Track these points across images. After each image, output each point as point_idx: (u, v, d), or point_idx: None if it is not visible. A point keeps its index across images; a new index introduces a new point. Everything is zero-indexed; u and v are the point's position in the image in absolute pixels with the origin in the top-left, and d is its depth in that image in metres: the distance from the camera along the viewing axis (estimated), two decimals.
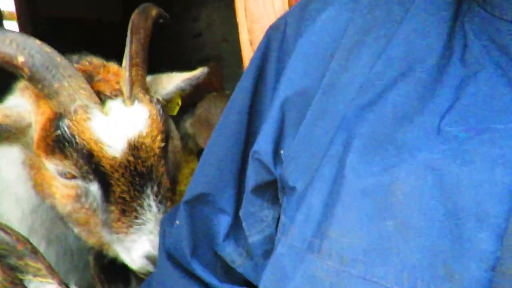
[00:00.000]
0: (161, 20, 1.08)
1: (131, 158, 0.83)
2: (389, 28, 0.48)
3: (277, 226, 0.59)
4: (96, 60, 0.96)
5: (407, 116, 0.43)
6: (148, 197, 0.84)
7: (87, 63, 0.94)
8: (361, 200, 0.41)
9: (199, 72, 1.05)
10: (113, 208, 0.83)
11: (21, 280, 0.50)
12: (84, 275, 1.09)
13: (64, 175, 0.84)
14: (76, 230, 0.91)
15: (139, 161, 0.84)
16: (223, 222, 0.65)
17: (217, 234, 0.65)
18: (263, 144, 0.57)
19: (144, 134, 0.85)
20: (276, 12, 0.82)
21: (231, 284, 0.64)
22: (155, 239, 0.83)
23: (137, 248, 0.84)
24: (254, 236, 0.61)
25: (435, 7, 0.47)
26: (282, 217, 0.54)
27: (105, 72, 0.92)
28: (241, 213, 0.62)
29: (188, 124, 3.26)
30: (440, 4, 0.46)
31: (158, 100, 0.91)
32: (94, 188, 0.84)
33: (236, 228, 0.64)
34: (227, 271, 0.66)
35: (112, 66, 0.95)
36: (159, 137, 0.87)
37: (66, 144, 0.80)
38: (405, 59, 0.46)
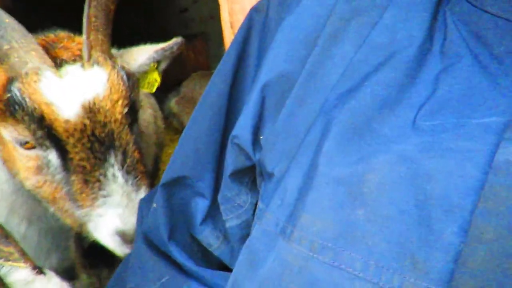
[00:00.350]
0: None
1: (87, 122, 0.78)
2: (373, 15, 0.48)
3: (254, 211, 0.59)
4: (63, 33, 0.93)
5: (386, 105, 0.43)
6: (112, 166, 0.80)
7: (52, 35, 0.91)
8: (334, 188, 0.41)
9: (173, 42, 1.01)
10: (73, 178, 0.80)
11: None
12: (66, 254, 1.08)
13: (21, 144, 0.80)
14: (50, 208, 0.88)
15: (97, 125, 0.79)
16: (200, 206, 0.64)
17: (195, 218, 0.64)
18: (242, 129, 0.56)
19: (101, 97, 0.81)
20: None
21: (207, 268, 0.64)
22: (124, 212, 0.80)
23: (105, 223, 0.80)
24: (231, 220, 0.61)
25: None
26: (259, 203, 0.54)
27: (69, 41, 0.89)
28: (219, 198, 0.62)
29: (173, 103, 3.22)
30: None
31: (123, 67, 0.87)
32: (53, 157, 0.80)
33: (214, 212, 0.64)
34: (203, 255, 0.66)
35: (79, 37, 0.91)
36: (120, 102, 0.83)
37: (17, 107, 0.77)
38: (387, 47, 0.45)
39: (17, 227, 0.97)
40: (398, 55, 0.45)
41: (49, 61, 0.80)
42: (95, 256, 1.09)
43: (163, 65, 1.04)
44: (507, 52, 0.40)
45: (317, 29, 0.52)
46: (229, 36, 0.96)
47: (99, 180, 0.80)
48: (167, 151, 2.10)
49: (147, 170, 0.90)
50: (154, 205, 0.66)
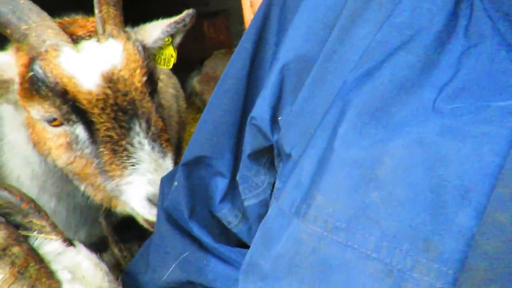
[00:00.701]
0: None
1: (109, 92, 0.81)
2: None
3: (272, 191, 0.60)
4: (78, 16, 0.95)
5: (405, 88, 0.42)
6: (138, 134, 0.82)
7: (67, 18, 0.93)
8: (349, 171, 0.42)
9: (185, 14, 1.02)
10: (102, 149, 0.82)
11: (26, 237, 0.52)
12: (94, 229, 1.12)
13: (49, 121, 0.83)
14: (81, 186, 0.91)
15: (119, 94, 0.82)
16: (220, 185, 0.66)
17: (214, 196, 0.66)
18: (260, 110, 0.57)
19: (120, 67, 0.83)
20: None
21: (226, 245, 0.67)
22: (154, 177, 0.81)
23: (136, 190, 0.82)
24: (249, 199, 0.62)
25: None
26: (277, 183, 0.55)
27: (83, 21, 0.91)
28: (237, 177, 0.63)
29: (195, 81, 3.24)
30: None
31: (137, 39, 0.89)
32: (80, 131, 0.83)
33: (233, 191, 0.65)
34: (222, 232, 0.68)
35: (93, 17, 0.92)
36: (138, 71, 0.85)
37: (40, 84, 0.79)
38: (407, 28, 0.44)
39: (48, 204, 1.02)
40: (418, 36, 0.43)
41: (66, 37, 0.82)
42: (126, 231, 1.12)
43: (177, 39, 1.05)
44: None
45: (337, 9, 0.51)
46: (249, 15, 0.95)
47: (126, 149, 0.81)
48: (190, 130, 2.13)
49: (171, 139, 0.92)
50: (175, 183, 0.67)
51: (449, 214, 0.36)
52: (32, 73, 0.80)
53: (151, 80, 0.89)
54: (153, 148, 0.83)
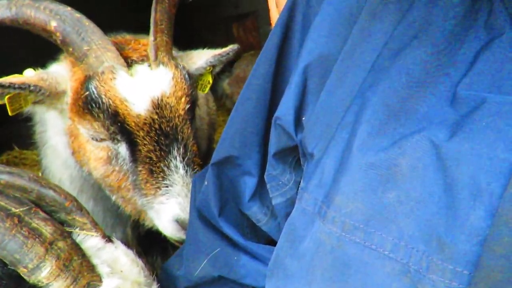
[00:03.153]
0: None
1: (155, 117, 0.86)
2: None
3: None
4: (129, 36, 1.01)
5: (422, 84, 0.42)
6: (175, 158, 0.88)
7: (120, 37, 0.99)
8: (366, 172, 0.42)
9: (229, 48, 1.08)
10: (140, 168, 0.87)
11: (70, 233, 0.57)
12: (128, 229, 1.17)
13: (95, 139, 0.89)
14: (113, 197, 0.97)
15: (164, 120, 0.87)
16: (249, 183, 0.67)
17: (243, 195, 0.68)
18: (284, 110, 0.58)
19: (168, 94, 0.89)
20: None
21: (255, 242, 0.68)
22: (184, 201, 0.86)
23: (165, 210, 0.87)
24: (276, 198, 0.64)
25: None
26: (302, 182, 0.56)
27: (136, 43, 0.96)
28: (265, 176, 0.64)
29: (225, 83, 3.28)
30: None
31: (184, 67, 0.95)
32: (123, 149, 0.89)
33: (261, 189, 0.67)
34: (252, 229, 0.70)
35: (143, 39, 0.99)
36: (183, 99, 0.91)
37: (94, 104, 0.85)
38: (423, 22, 0.44)
39: (86, 204, 1.08)
40: (433, 31, 0.43)
41: (122, 61, 0.88)
42: (149, 244, 1.18)
43: (217, 69, 1.11)
44: None
45: (359, 8, 0.51)
46: (275, 15, 0.96)
47: (163, 171, 0.87)
48: (221, 131, 2.16)
49: (201, 163, 0.97)
50: (206, 182, 0.70)
51: (462, 215, 0.36)
52: (87, 92, 0.86)
53: (193, 108, 0.96)
54: (186, 172, 0.89)
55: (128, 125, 0.86)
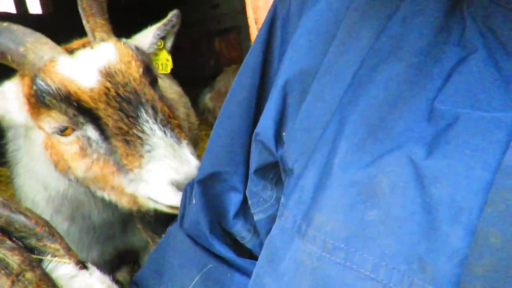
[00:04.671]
0: None
1: (108, 84, 0.84)
2: (389, 8, 0.46)
3: None
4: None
5: (399, 99, 0.42)
6: (146, 121, 0.84)
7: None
8: (346, 190, 0.41)
9: (171, 15, 1.07)
10: (115, 142, 0.83)
11: (39, 261, 0.54)
12: (106, 248, 1.14)
13: (61, 131, 0.86)
14: (105, 195, 0.92)
15: (119, 86, 0.85)
16: (234, 200, 0.66)
17: (228, 211, 0.66)
18: (264, 126, 0.57)
19: (115, 62, 0.87)
20: None
21: (247, 258, 0.66)
22: (173, 162, 0.81)
23: (157, 177, 0.82)
24: (258, 214, 0.62)
25: None
26: (282, 198, 0.55)
27: (78, 41, 0.97)
28: (246, 192, 0.63)
29: (207, 98, 3.28)
30: None
31: (127, 41, 0.94)
32: (91, 131, 0.85)
33: (245, 205, 0.65)
34: (236, 248, 0.68)
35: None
36: (133, 63, 0.89)
37: (44, 95, 0.83)
38: (398, 38, 0.44)
39: (61, 225, 1.05)
40: (409, 48, 0.43)
41: (60, 49, 0.88)
42: (161, 229, 1.11)
43: (169, 43, 1.10)
44: None
45: (336, 24, 0.52)
46: (255, 32, 0.96)
47: (139, 137, 0.83)
48: (203, 146, 2.14)
49: (184, 126, 0.94)
50: (194, 201, 0.68)
51: (442, 234, 0.36)
52: (35, 87, 0.85)
53: (149, 72, 0.93)
54: (165, 133, 0.85)
55: (84, 102, 0.84)
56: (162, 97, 0.93)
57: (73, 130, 0.86)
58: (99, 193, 0.94)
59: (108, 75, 0.85)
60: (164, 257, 0.74)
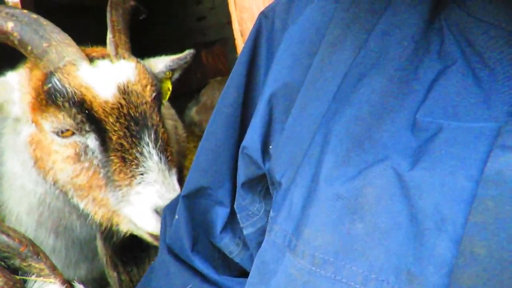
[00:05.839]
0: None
1: (123, 102, 0.86)
2: (370, 22, 0.48)
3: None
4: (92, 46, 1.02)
5: (382, 112, 0.43)
6: (147, 144, 0.86)
7: (83, 47, 0.99)
8: (333, 203, 0.42)
9: (187, 52, 1.12)
10: (112, 157, 0.85)
11: (23, 282, 0.52)
12: (94, 263, 1.12)
13: (61, 132, 0.87)
14: (82, 204, 0.92)
15: (132, 105, 0.87)
16: (221, 214, 0.66)
17: (215, 226, 0.66)
18: (251, 140, 0.57)
19: (133, 81, 0.90)
20: (265, 2, 0.81)
21: (229, 276, 0.66)
22: (162, 189, 0.84)
23: (143, 201, 0.84)
24: (247, 228, 0.62)
25: (415, 0, 0.45)
26: (271, 212, 0.55)
27: (95, 48, 0.99)
28: (235, 206, 0.63)
29: (193, 112, 3.28)
30: None
31: (145, 64, 0.97)
32: (91, 141, 0.87)
33: (233, 219, 0.65)
34: (224, 262, 0.68)
35: (101, 47, 1.01)
36: (148, 87, 0.92)
37: (58, 94, 0.84)
38: (379, 52, 0.45)
39: (46, 240, 1.03)
40: (391, 61, 0.44)
41: (83, 55, 0.89)
42: (124, 254, 1.12)
43: (176, 75, 1.14)
44: (498, 59, 0.39)
45: (319, 38, 0.53)
46: (240, 44, 0.98)
47: (136, 158, 0.85)
48: (191, 158, 2.13)
49: (173, 153, 0.97)
50: (176, 216, 0.67)
51: (428, 245, 0.36)
52: (49, 85, 0.85)
53: (159, 97, 0.97)
54: (160, 159, 0.87)
55: (96, 112, 0.85)
56: (163, 123, 0.97)
57: (73, 134, 0.87)
58: (76, 200, 0.93)
59: (125, 92, 0.88)
60: (152, 272, 0.73)
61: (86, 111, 0.84)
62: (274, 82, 0.56)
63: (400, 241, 0.37)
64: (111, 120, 0.85)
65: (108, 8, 0.98)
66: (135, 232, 0.91)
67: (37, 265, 0.54)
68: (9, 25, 0.84)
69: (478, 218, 0.33)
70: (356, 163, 0.42)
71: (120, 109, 0.86)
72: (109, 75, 0.89)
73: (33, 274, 0.54)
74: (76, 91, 0.84)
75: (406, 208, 0.37)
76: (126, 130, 0.85)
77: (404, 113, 0.42)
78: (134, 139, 0.85)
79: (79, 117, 0.84)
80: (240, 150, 0.59)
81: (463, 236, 0.33)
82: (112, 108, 0.85)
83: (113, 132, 0.85)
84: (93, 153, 0.87)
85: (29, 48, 0.86)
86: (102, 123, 0.85)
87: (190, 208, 0.66)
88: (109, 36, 0.95)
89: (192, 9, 3.79)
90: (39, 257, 0.55)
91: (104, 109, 0.85)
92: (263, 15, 0.62)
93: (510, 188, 0.32)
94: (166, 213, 0.73)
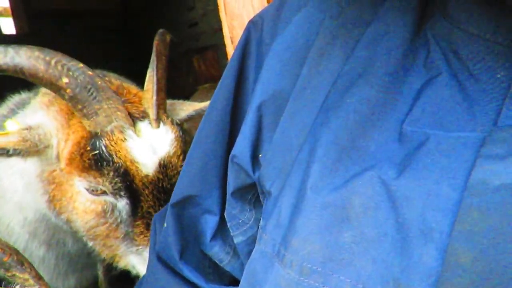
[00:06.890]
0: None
1: (160, 176, 0.90)
2: (358, 31, 0.48)
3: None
4: (115, 80, 1.00)
5: (369, 121, 0.43)
6: None
7: (108, 83, 0.97)
8: (321, 212, 0.41)
9: (203, 105, 1.13)
10: (139, 222, 0.89)
11: None
12: (83, 275, 1.13)
13: (93, 191, 0.88)
14: (91, 243, 0.94)
15: (166, 178, 0.91)
16: (210, 222, 0.65)
17: (205, 234, 0.66)
18: (241, 148, 0.57)
19: (171, 153, 0.92)
20: (255, 9, 0.81)
21: (220, 285, 0.65)
22: None
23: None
24: (238, 237, 0.62)
25: (401, 10, 0.46)
26: (261, 221, 0.55)
27: (128, 94, 0.97)
28: (225, 215, 0.63)
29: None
30: (406, 8, 0.46)
31: (177, 123, 0.98)
32: (122, 204, 0.89)
33: (223, 227, 0.65)
34: (215, 270, 0.67)
35: (131, 87, 1.00)
36: (181, 157, 0.94)
37: (104, 162, 0.85)
38: (366, 61, 0.46)
39: (37, 251, 1.03)
40: (378, 69, 0.44)
41: (130, 121, 0.89)
42: (122, 284, 1.14)
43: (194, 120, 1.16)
44: (483, 69, 0.39)
45: (308, 47, 0.53)
46: (231, 51, 0.98)
47: None
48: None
49: None
50: (165, 224, 0.67)
51: (415, 254, 0.36)
52: (96, 151, 0.85)
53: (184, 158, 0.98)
54: None
55: (136, 184, 0.87)
56: None
57: (105, 193, 0.88)
58: (85, 239, 0.95)
59: (163, 167, 0.90)
60: (142, 283, 0.72)
61: (128, 182, 0.87)
62: (263, 90, 0.56)
63: (386, 250, 0.37)
64: (146, 192, 0.88)
65: (155, 62, 0.96)
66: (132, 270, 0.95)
67: (21, 275, 0.53)
68: (64, 80, 0.83)
69: (463, 227, 0.33)
70: (343, 172, 0.42)
71: (157, 183, 0.89)
72: (152, 148, 0.90)
73: (17, 284, 0.53)
74: (122, 163, 0.86)
75: (392, 217, 0.37)
76: (156, 200, 0.89)
77: (391, 123, 0.42)
78: (160, 208, 0.87)
79: (118, 185, 0.87)
80: (230, 159, 0.59)
81: (448, 246, 0.33)
82: (150, 183, 0.88)
83: (145, 202, 0.88)
84: (119, 213, 0.90)
85: (79, 106, 0.85)
86: (138, 193, 0.88)
87: (179, 216, 0.66)
88: (153, 97, 0.93)
89: (185, 16, 3.79)
90: (24, 267, 0.54)
91: (143, 183, 0.88)
92: (252, 23, 0.62)
93: (494, 197, 0.32)
94: (156, 221, 0.72)
